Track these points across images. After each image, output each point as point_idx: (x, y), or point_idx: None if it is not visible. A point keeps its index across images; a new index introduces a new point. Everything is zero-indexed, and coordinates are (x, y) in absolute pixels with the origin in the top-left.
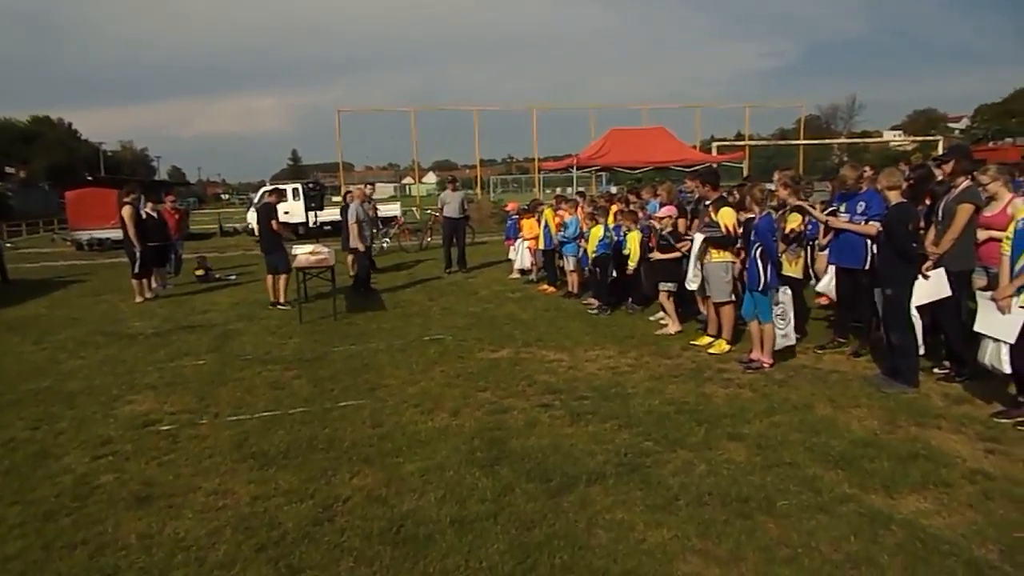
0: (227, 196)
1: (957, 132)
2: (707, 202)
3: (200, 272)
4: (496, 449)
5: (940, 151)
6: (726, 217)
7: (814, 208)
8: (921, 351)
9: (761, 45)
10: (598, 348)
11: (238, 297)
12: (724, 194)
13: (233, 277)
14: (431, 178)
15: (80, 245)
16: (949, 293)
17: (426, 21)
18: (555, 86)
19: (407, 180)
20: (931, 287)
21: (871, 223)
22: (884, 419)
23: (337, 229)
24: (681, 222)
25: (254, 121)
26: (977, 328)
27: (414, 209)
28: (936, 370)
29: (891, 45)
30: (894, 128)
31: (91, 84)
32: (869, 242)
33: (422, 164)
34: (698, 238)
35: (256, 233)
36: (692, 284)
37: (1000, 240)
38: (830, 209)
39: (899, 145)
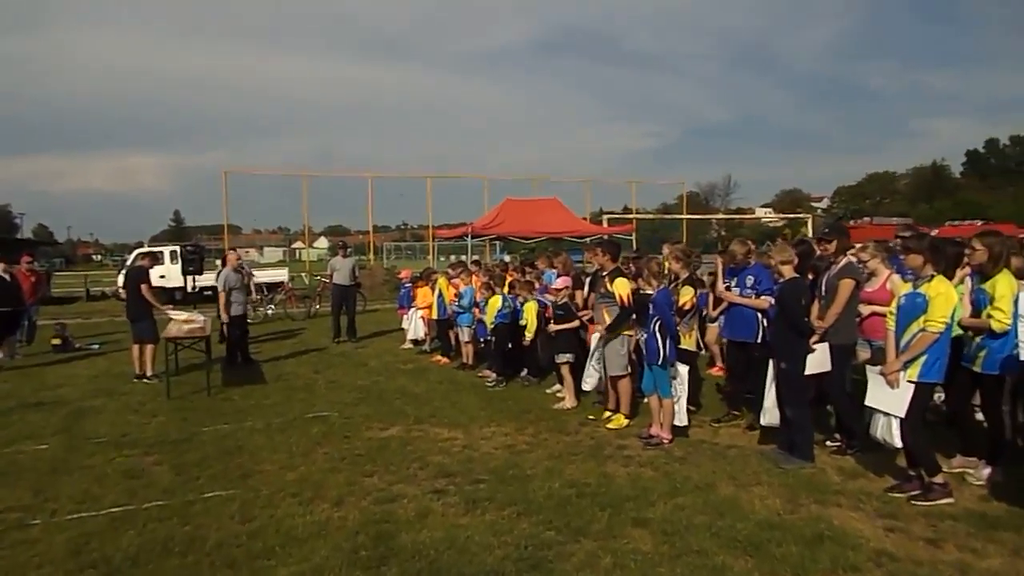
0: (99, 257)
1: (819, 211)
2: (603, 273)
3: (57, 341)
4: (383, 546)
5: (810, 228)
6: (621, 287)
7: (712, 281)
8: None
9: (642, 126)
10: (494, 424)
11: (99, 369)
12: (619, 266)
13: (96, 346)
14: (323, 243)
15: None
16: (829, 368)
17: (320, 86)
18: (449, 156)
19: (297, 244)
20: (815, 360)
21: (763, 297)
22: (786, 497)
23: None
24: (578, 293)
25: (133, 180)
26: (868, 403)
27: (303, 275)
28: (828, 443)
29: (757, 131)
30: (764, 206)
31: None
32: (760, 315)
33: (314, 229)
34: (595, 337)
35: (124, 298)
36: (587, 384)
37: (883, 315)
38: (724, 284)
39: (770, 221)
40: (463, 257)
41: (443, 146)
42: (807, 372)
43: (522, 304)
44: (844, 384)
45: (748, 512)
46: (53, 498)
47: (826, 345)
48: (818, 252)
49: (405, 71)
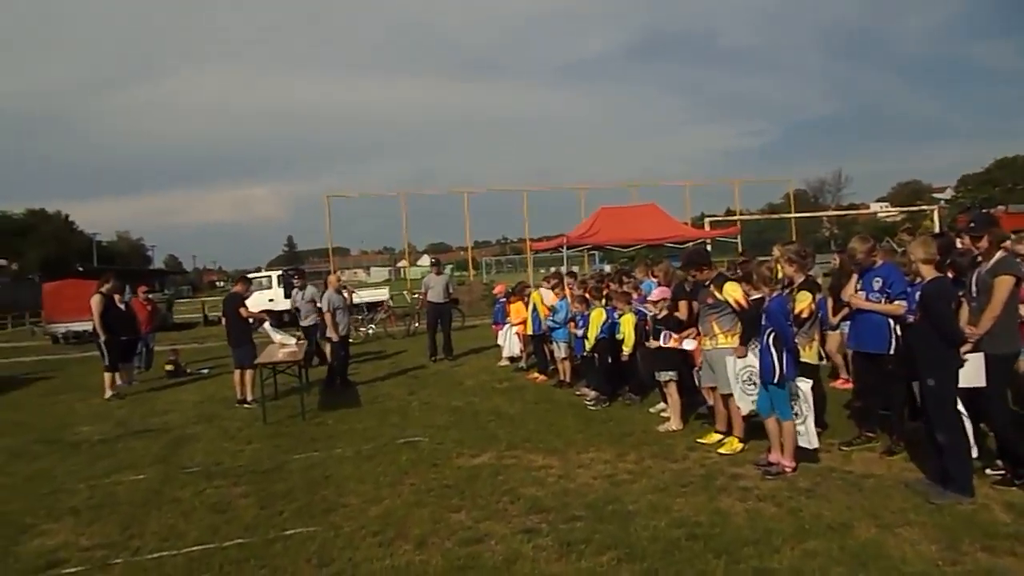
0: (222, 283)
1: (943, 202)
2: (706, 283)
3: (170, 367)
4: None
5: (936, 221)
6: (733, 292)
7: (831, 283)
8: (974, 453)
9: (742, 125)
10: (593, 449)
11: (206, 394)
12: (722, 270)
13: (205, 371)
14: (425, 261)
15: (56, 338)
16: (983, 383)
17: (423, 107)
18: (545, 168)
19: (402, 263)
20: (967, 374)
21: (896, 302)
22: (943, 542)
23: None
24: (682, 305)
25: (249, 209)
26: None
27: (405, 293)
28: (988, 471)
29: (868, 121)
30: (880, 200)
31: (88, 176)
32: (892, 323)
33: (416, 247)
34: (730, 363)
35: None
36: (743, 408)
37: None
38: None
39: (887, 216)
40: (559, 269)
41: (542, 159)
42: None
43: (619, 316)
44: (1006, 402)
45: (898, 562)
46: (139, 534)
47: (981, 356)
48: (959, 247)
49: (500, 87)
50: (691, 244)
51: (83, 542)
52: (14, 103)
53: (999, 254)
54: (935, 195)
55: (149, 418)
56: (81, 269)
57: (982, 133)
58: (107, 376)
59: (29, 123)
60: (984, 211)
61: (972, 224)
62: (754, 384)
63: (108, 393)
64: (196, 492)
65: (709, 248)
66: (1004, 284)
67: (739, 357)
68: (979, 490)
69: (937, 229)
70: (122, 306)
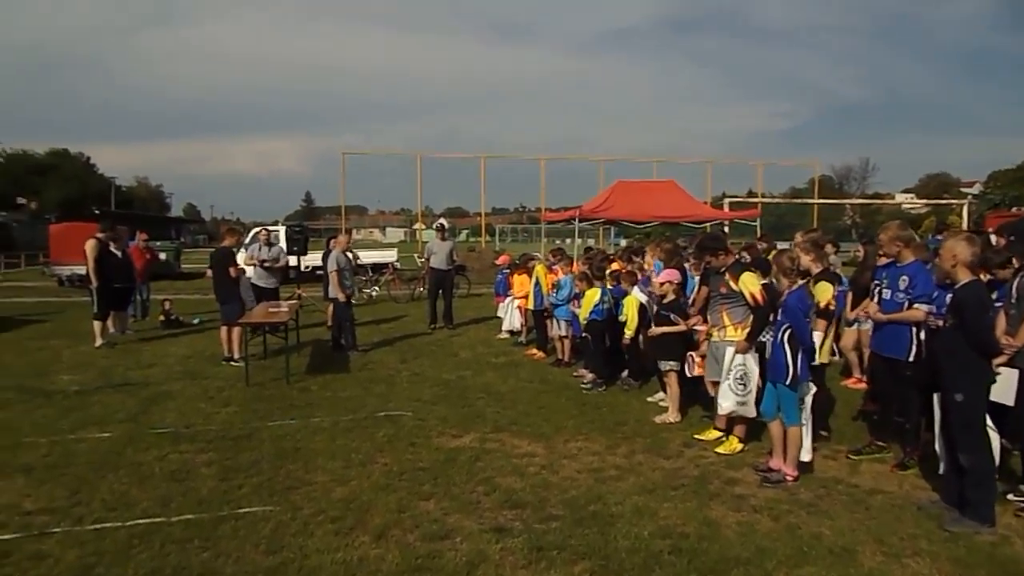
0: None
1: (971, 197)
2: (722, 268)
3: (162, 317)
4: None
5: (964, 216)
6: (750, 284)
7: (853, 276)
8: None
9: (772, 106)
10: (581, 438)
11: (195, 349)
12: (738, 256)
13: (196, 321)
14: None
15: (61, 281)
16: (1012, 402)
17: (448, 68)
18: (567, 139)
19: (418, 226)
20: (996, 390)
21: (917, 307)
22: None
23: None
24: (703, 291)
25: (270, 162)
26: None
27: (415, 256)
28: (1011, 497)
29: (900, 110)
30: (906, 191)
31: (113, 119)
32: (915, 328)
33: (433, 210)
34: (728, 354)
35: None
36: (723, 407)
37: None
38: (875, 284)
39: (913, 208)
40: (572, 241)
41: (565, 129)
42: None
43: (621, 297)
44: None
45: None
46: (87, 500)
47: (1015, 372)
48: (994, 245)
49: (531, 52)
50: (708, 225)
51: (27, 505)
52: (44, 41)
53: None
54: (963, 189)
55: (132, 371)
56: (98, 212)
57: (1016, 129)
58: (97, 324)
59: (56, 62)
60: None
61: (1012, 237)
62: (744, 384)
63: (99, 341)
64: (159, 456)
65: (727, 230)
66: None
67: (739, 352)
68: (1000, 519)
69: (965, 225)
70: (119, 253)
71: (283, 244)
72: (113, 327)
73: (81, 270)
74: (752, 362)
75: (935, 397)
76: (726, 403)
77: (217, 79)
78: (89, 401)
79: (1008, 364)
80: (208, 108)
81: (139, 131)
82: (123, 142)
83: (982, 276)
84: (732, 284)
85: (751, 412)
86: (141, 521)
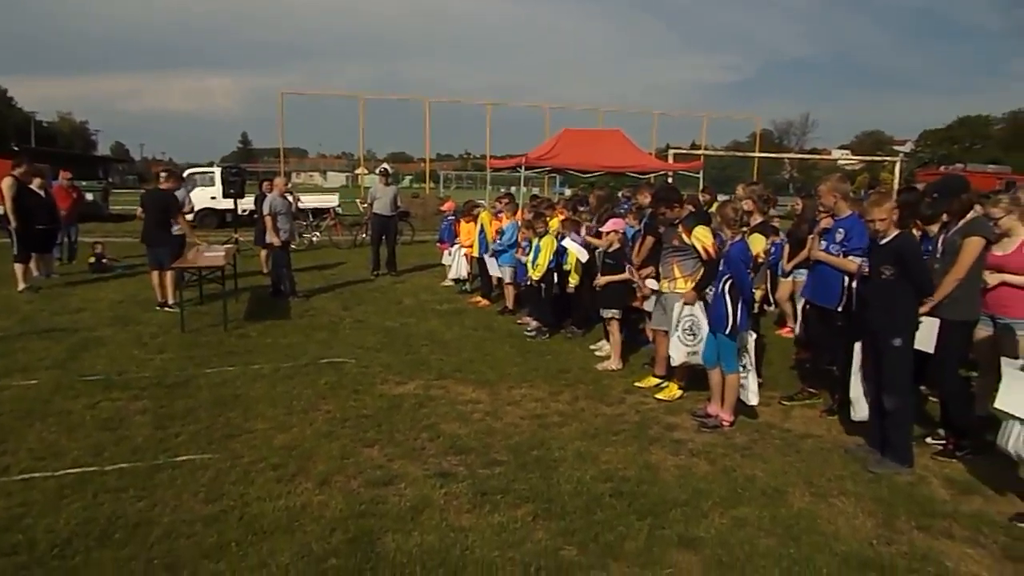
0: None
1: (902, 155)
2: (676, 220)
3: (92, 260)
4: (360, 553)
5: (896, 173)
6: (703, 236)
7: (789, 229)
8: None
9: (718, 58)
10: (526, 385)
11: (126, 292)
12: (694, 209)
13: (120, 268)
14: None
15: None
16: (931, 349)
17: (392, 8)
18: (513, 86)
19: (359, 171)
20: (919, 337)
21: (851, 258)
22: (879, 517)
23: None
24: (648, 240)
25: (205, 101)
26: (998, 405)
27: (356, 201)
28: (929, 440)
29: (840, 68)
30: (842, 147)
31: (33, 50)
32: (846, 279)
33: (376, 154)
34: (676, 307)
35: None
36: (675, 358)
37: (1017, 287)
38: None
39: (848, 164)
40: (514, 190)
41: (511, 75)
42: None
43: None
44: (957, 370)
45: (830, 538)
46: (13, 451)
47: (936, 321)
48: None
49: None
50: (652, 176)
51: None
52: None
53: (971, 214)
54: (896, 147)
55: (58, 316)
56: (16, 148)
57: (947, 90)
58: (18, 267)
59: None
60: (950, 175)
61: (936, 195)
62: (693, 335)
63: (21, 285)
64: (89, 404)
65: (671, 181)
66: (973, 245)
67: (687, 303)
68: (919, 461)
69: (897, 182)
70: (41, 192)
71: (218, 187)
72: (37, 270)
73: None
74: (700, 312)
75: (857, 345)
76: (677, 354)
77: (147, 9)
78: (12, 348)
79: (930, 314)
80: (138, 41)
81: (61, 64)
82: (43, 75)
83: (913, 230)
84: (684, 237)
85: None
86: (72, 471)
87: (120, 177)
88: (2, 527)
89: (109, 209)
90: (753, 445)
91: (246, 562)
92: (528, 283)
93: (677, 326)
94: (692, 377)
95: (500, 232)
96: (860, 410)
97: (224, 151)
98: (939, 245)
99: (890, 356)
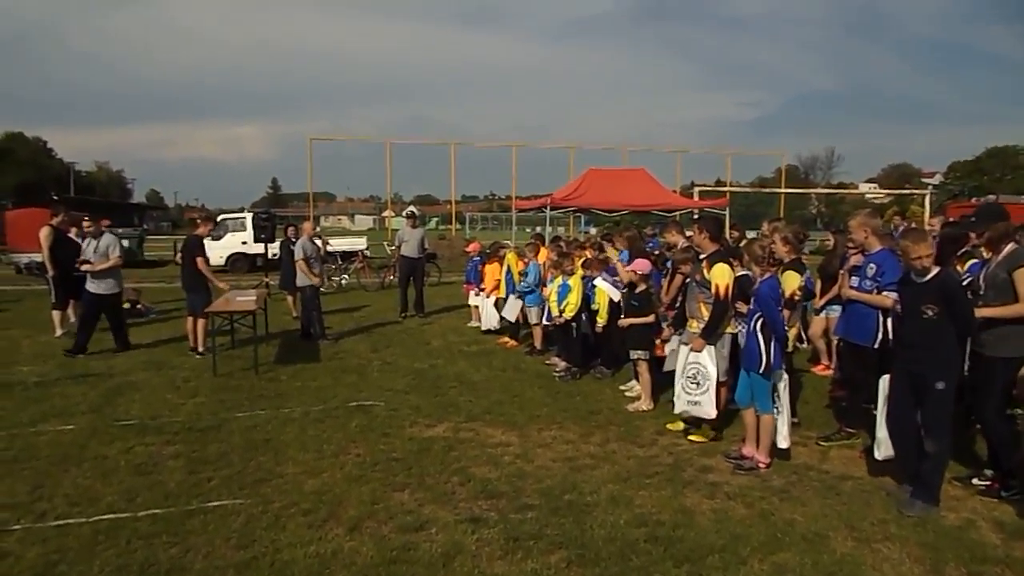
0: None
1: (931, 188)
2: (702, 255)
3: (126, 306)
4: None
5: (927, 206)
6: (719, 276)
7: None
8: None
9: (740, 95)
10: (556, 427)
11: (161, 337)
12: (722, 248)
13: (152, 314)
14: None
15: (19, 269)
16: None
17: (415, 55)
18: (537, 127)
19: (387, 213)
20: None
21: (885, 294)
22: (927, 565)
23: None
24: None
25: (236, 148)
26: None
27: (384, 243)
28: (975, 480)
29: (865, 100)
30: (869, 180)
31: (71, 104)
32: (881, 315)
33: (403, 197)
34: (683, 352)
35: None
36: (679, 408)
37: None
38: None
39: (876, 197)
40: (546, 229)
41: (536, 116)
42: None
43: (594, 286)
44: (1004, 408)
45: None
46: (49, 496)
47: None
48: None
49: (499, 39)
50: (677, 213)
51: None
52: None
53: (1010, 247)
54: (924, 179)
55: (94, 361)
56: (56, 197)
57: (974, 120)
58: (56, 313)
59: (10, 41)
60: (990, 203)
61: (973, 220)
62: (697, 384)
63: (58, 331)
64: (124, 449)
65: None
66: None
67: (694, 351)
68: (965, 503)
69: (927, 214)
70: (78, 240)
71: (249, 232)
72: (74, 316)
73: (39, 257)
74: (709, 360)
75: (883, 381)
76: (679, 403)
77: (181, 62)
78: (50, 393)
79: (977, 352)
80: (172, 92)
81: (99, 115)
82: (82, 126)
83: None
84: (706, 272)
85: (706, 412)
86: (106, 516)
87: (155, 224)
88: (37, 573)
89: (144, 256)
90: (791, 488)
91: None
92: (555, 324)
93: (682, 374)
94: (724, 418)
95: (524, 273)
96: (885, 449)
97: (255, 196)
98: (980, 280)
99: (932, 399)
